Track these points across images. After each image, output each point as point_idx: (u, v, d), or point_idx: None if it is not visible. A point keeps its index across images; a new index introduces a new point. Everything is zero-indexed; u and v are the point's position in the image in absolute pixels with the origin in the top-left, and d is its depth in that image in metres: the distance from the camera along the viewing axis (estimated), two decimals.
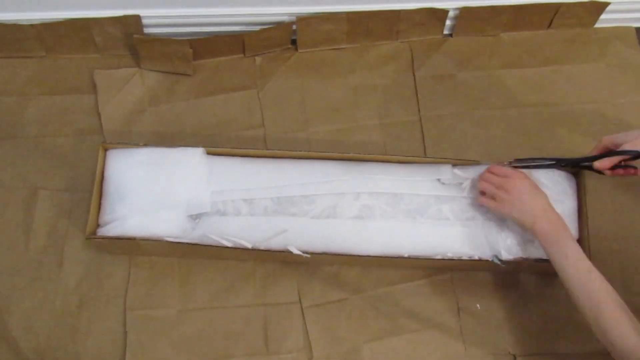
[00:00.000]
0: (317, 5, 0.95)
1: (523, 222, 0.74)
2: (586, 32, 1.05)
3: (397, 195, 0.84)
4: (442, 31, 1.03)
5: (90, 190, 0.83)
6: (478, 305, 0.86)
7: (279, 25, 0.97)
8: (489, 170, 0.81)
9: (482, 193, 0.81)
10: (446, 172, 0.84)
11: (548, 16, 1.03)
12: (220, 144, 0.93)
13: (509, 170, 0.78)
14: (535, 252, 0.81)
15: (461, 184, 0.84)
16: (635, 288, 0.87)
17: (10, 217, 0.89)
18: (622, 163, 0.76)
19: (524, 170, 0.81)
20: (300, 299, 0.85)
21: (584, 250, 0.71)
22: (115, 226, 0.79)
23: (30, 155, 0.92)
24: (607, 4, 1.00)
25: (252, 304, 0.85)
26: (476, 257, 0.81)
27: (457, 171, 0.85)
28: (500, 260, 0.80)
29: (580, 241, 0.82)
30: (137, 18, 0.94)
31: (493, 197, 0.78)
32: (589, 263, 0.69)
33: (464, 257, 0.82)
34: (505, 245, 0.81)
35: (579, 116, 0.98)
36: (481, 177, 0.81)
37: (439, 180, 0.84)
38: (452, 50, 1.02)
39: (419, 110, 0.98)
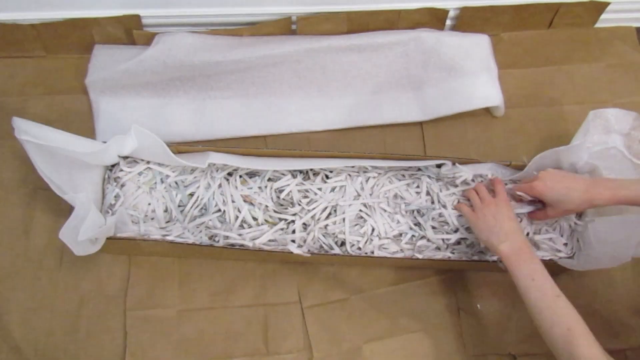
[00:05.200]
0: (317, 5, 0.95)
1: (490, 240, 0.74)
2: (586, 32, 1.05)
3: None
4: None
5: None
6: (478, 305, 0.86)
7: (277, 21, 0.97)
8: (474, 188, 0.81)
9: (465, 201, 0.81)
10: (446, 165, 0.84)
11: (548, 16, 1.02)
12: (220, 143, 0.93)
13: (490, 197, 0.78)
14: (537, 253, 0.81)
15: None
16: None
17: (10, 217, 0.88)
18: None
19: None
20: (300, 299, 0.85)
21: None
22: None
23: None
24: (608, 3, 1.00)
25: (252, 304, 0.85)
26: (476, 258, 0.82)
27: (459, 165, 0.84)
28: (501, 261, 0.80)
29: None
30: (137, 18, 0.94)
31: (473, 209, 0.79)
32: (557, 288, 0.67)
33: (464, 258, 0.82)
34: None
35: (579, 116, 0.98)
36: (470, 190, 0.82)
37: (438, 167, 0.84)
38: None
39: None
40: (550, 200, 0.76)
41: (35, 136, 0.74)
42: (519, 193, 0.80)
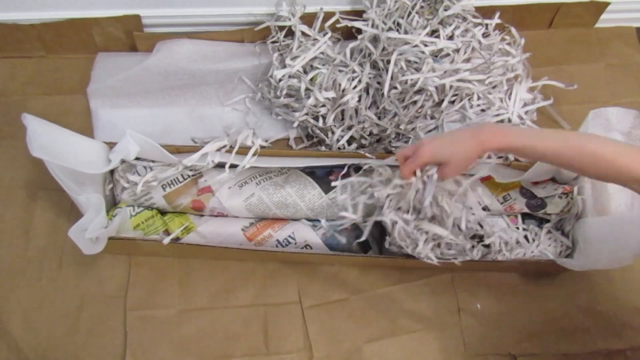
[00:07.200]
0: (316, 5, 0.95)
1: (470, 151, 0.65)
2: (587, 32, 1.05)
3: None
4: None
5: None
6: (478, 305, 0.86)
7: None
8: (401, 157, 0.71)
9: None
10: None
11: (548, 16, 1.03)
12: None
13: (411, 146, 0.69)
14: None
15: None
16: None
17: (10, 217, 0.89)
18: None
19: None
20: (300, 299, 0.85)
21: None
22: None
23: (30, 155, 0.91)
24: (608, 3, 1.00)
25: (252, 304, 0.85)
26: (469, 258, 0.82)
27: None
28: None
29: None
30: (137, 18, 0.95)
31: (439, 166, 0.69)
32: (555, 130, 0.63)
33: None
34: None
35: (579, 116, 0.97)
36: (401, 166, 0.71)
37: None
38: None
39: None
40: (442, 157, 0.67)
41: (43, 133, 0.75)
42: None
